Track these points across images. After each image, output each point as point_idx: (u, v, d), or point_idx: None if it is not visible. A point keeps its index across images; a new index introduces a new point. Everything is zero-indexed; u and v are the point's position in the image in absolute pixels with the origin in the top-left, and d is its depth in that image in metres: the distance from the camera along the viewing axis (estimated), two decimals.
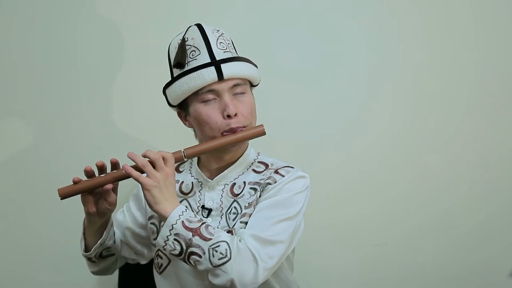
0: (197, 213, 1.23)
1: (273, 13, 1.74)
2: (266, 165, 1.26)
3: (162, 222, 1.09)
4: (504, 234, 1.77)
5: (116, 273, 1.59)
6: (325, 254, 1.75)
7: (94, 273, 1.35)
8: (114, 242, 1.29)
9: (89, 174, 1.12)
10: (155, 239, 1.25)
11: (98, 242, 1.23)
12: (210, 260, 1.06)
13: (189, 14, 1.71)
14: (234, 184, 1.24)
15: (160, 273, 1.29)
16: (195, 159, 1.31)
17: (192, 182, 1.28)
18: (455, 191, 1.76)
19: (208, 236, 1.07)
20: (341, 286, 1.78)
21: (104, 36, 1.74)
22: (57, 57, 1.74)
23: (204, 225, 1.09)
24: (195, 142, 1.29)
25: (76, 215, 1.68)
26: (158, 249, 1.28)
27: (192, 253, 1.07)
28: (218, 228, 1.15)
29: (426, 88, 1.75)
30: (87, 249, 1.26)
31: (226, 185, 1.24)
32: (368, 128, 1.75)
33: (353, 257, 1.77)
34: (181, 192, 1.28)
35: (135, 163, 1.10)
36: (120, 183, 1.16)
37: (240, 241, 1.09)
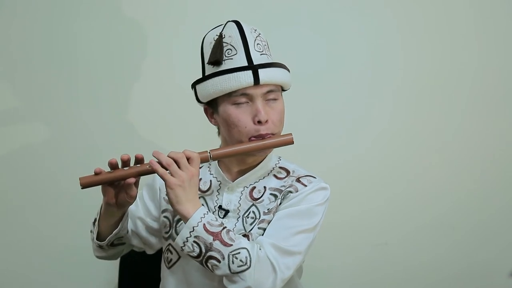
0: (213, 213, 1.21)
1: (273, 13, 1.74)
2: (288, 172, 1.25)
3: (180, 221, 1.06)
4: (504, 234, 1.77)
5: (117, 272, 1.59)
6: (325, 254, 1.74)
7: (99, 257, 1.31)
8: (127, 232, 1.27)
9: (113, 166, 1.10)
10: (167, 232, 1.25)
11: (114, 232, 1.20)
12: (229, 266, 1.05)
13: (189, 14, 1.71)
14: (254, 188, 1.23)
15: (169, 268, 1.27)
16: None
17: (210, 181, 1.26)
18: (455, 191, 1.76)
19: (229, 242, 1.06)
20: (341, 286, 1.78)
21: (105, 36, 1.74)
22: (57, 57, 1.74)
23: (225, 230, 1.08)
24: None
25: (76, 215, 1.69)
26: (169, 244, 1.26)
27: (211, 257, 1.06)
28: (233, 230, 1.14)
29: (426, 88, 1.75)
30: (99, 237, 1.24)
31: (245, 188, 1.23)
32: (368, 128, 1.75)
33: (353, 257, 1.77)
34: (199, 189, 1.25)
35: (159, 161, 1.08)
36: None
37: (260, 249, 1.08)
